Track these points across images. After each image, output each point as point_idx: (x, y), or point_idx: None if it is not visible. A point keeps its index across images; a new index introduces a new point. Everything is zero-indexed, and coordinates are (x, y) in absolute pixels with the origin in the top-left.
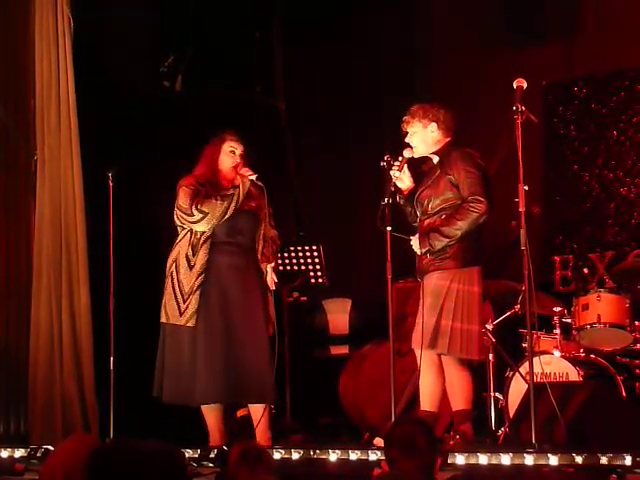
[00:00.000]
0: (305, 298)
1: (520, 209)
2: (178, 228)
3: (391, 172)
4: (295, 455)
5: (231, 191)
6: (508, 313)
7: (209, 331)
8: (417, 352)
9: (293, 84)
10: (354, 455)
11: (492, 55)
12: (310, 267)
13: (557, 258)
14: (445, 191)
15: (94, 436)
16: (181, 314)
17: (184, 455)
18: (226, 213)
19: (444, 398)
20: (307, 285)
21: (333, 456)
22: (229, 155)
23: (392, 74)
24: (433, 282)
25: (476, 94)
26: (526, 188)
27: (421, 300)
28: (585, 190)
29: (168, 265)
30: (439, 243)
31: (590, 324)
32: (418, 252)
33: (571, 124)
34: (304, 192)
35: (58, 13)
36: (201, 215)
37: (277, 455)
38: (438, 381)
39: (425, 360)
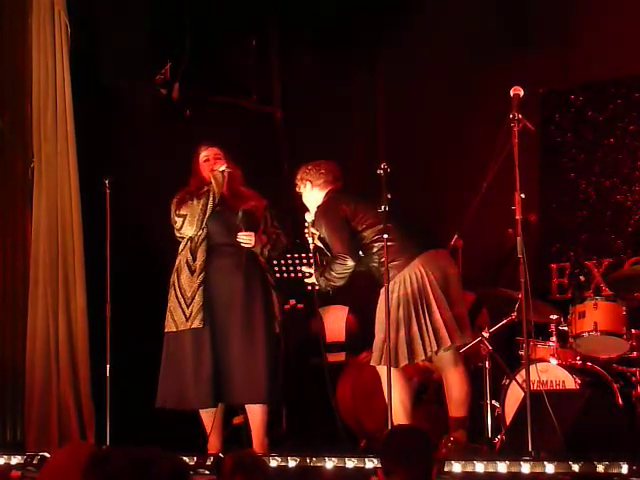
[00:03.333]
0: (302, 305)
1: (517, 217)
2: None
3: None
4: (291, 463)
5: (205, 188)
6: (505, 321)
7: (213, 333)
8: (379, 369)
9: (289, 91)
10: (350, 463)
11: (489, 63)
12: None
13: (554, 266)
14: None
15: (91, 443)
16: (187, 319)
17: (184, 462)
18: (206, 210)
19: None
20: (304, 292)
21: (329, 464)
22: (205, 164)
23: (390, 82)
24: (380, 297)
25: (473, 102)
26: (523, 196)
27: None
28: (582, 198)
29: (172, 277)
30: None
31: (587, 332)
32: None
33: (568, 132)
34: (301, 200)
35: (55, 21)
36: (181, 219)
37: (273, 463)
38: (400, 392)
39: (382, 374)
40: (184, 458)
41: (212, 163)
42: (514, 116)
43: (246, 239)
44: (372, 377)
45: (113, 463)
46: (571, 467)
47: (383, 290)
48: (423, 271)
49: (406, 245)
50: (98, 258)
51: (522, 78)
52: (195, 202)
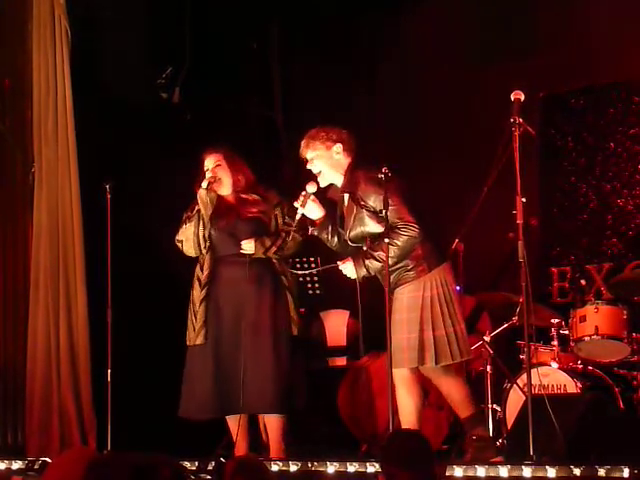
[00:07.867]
0: (303, 310)
1: (518, 221)
2: None
3: (295, 205)
4: (293, 467)
5: (196, 208)
6: (506, 325)
7: (217, 348)
8: (394, 371)
9: (290, 95)
10: (352, 467)
11: (489, 67)
12: (308, 278)
13: (554, 270)
14: (364, 226)
15: (92, 448)
16: (196, 333)
17: (184, 468)
18: (198, 233)
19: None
20: (305, 297)
21: (331, 468)
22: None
23: (389, 87)
24: (406, 295)
25: (474, 106)
26: (524, 200)
27: (393, 316)
28: (582, 202)
29: None
30: (374, 267)
31: (588, 336)
32: (353, 277)
33: (568, 136)
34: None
35: (56, 25)
36: (180, 244)
37: (275, 467)
38: (416, 397)
39: (398, 378)
40: (185, 463)
41: (210, 176)
42: (515, 120)
43: (247, 247)
44: (373, 381)
45: (113, 468)
46: (572, 471)
47: (399, 291)
48: (447, 280)
49: (433, 251)
50: (99, 262)
51: (522, 82)
52: (187, 226)
